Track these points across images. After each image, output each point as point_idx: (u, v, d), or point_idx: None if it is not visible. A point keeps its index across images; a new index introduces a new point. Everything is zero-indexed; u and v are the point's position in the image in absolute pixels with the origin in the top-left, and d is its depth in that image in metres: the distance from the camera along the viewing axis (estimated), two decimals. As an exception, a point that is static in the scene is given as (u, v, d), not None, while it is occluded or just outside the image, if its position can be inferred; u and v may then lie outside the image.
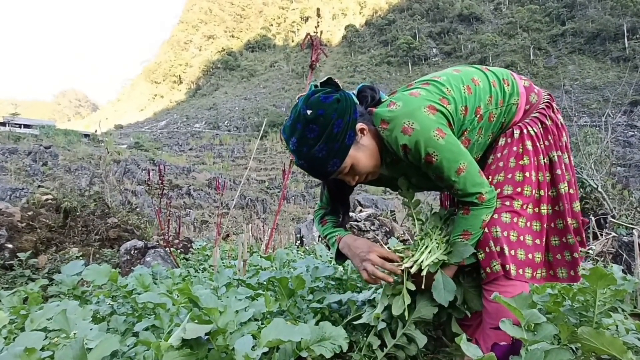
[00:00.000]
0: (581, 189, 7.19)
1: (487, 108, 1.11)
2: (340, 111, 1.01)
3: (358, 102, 1.14)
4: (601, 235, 4.08)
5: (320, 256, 2.94)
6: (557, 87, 58.13)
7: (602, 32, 72.64)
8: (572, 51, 75.32)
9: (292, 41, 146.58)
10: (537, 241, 1.10)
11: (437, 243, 1.15)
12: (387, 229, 5.60)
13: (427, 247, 1.14)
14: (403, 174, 1.21)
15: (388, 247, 1.22)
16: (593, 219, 4.96)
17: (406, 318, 1.11)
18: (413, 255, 1.13)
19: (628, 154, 31.15)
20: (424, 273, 1.08)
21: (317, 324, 1.13)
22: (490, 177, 1.14)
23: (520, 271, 1.07)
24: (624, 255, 3.14)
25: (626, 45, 67.61)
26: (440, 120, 1.03)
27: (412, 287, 1.11)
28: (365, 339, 1.22)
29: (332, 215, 1.34)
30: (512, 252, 1.07)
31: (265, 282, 1.74)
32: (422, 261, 1.09)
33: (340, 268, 1.98)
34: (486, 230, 1.09)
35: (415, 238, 1.23)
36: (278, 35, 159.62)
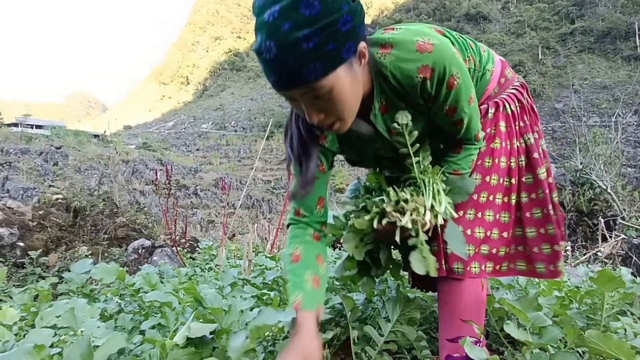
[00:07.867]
0: (590, 190, 7.10)
1: (468, 64, 0.99)
2: (353, 9, 0.71)
3: None
4: (610, 237, 4.02)
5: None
6: (566, 87, 57.40)
7: (613, 31, 71.51)
8: (581, 50, 74.27)
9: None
10: (505, 234, 1.00)
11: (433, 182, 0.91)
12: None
13: (430, 186, 0.89)
14: (372, 140, 0.98)
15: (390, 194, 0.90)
16: (602, 220, 4.89)
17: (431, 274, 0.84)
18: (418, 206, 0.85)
19: (639, 154, 30.62)
20: (440, 221, 0.86)
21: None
22: None
23: (483, 267, 0.98)
24: (634, 258, 3.10)
25: (637, 43, 66.47)
26: None
27: (425, 238, 0.85)
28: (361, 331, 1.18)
29: (308, 246, 0.97)
30: (476, 249, 0.98)
31: (270, 282, 1.74)
32: (435, 207, 0.86)
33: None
34: None
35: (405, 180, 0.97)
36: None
